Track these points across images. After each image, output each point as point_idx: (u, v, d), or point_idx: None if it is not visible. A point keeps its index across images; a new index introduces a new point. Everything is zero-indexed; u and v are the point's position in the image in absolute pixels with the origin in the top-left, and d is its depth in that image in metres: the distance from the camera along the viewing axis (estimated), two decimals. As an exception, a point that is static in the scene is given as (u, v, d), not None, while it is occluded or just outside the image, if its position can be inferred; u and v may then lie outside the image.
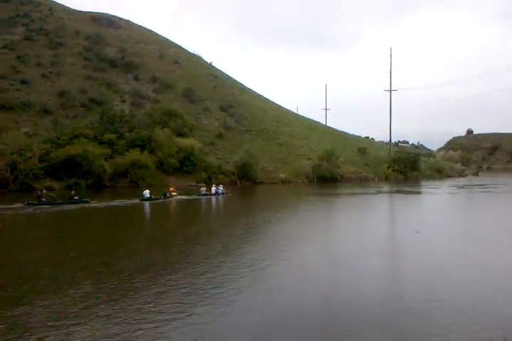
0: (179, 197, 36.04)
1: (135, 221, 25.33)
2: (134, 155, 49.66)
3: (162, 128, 55.26)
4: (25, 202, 29.13)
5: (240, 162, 55.72)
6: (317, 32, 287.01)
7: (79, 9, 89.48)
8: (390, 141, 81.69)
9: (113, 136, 52.16)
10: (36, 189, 33.71)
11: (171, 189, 36.88)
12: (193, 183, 52.14)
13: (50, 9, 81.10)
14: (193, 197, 37.13)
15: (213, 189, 38.76)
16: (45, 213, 26.61)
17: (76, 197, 30.77)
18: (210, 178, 53.71)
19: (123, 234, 19.72)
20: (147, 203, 32.37)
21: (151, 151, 52.22)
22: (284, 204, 34.86)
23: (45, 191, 31.62)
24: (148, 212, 29.40)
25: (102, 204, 30.43)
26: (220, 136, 63.96)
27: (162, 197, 34.64)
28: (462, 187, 53.31)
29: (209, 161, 56.22)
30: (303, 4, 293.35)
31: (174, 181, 51.48)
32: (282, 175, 58.84)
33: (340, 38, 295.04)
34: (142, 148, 51.77)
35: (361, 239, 17.66)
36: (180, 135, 56.67)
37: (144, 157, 50.16)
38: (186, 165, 54.12)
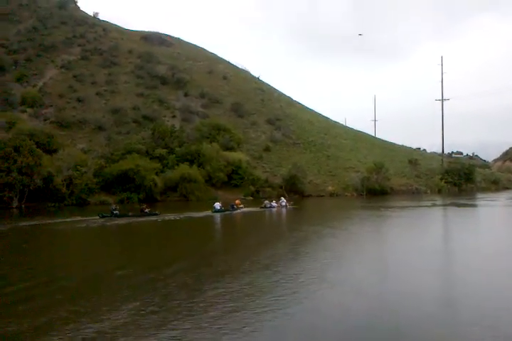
0: (244, 209, 36.92)
1: (225, 230, 27.27)
2: (184, 169, 50.74)
3: (210, 142, 56.31)
4: (100, 215, 30.73)
5: (288, 175, 55.77)
6: (366, 42, 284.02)
7: (131, 29, 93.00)
8: (443, 151, 79.43)
9: (164, 151, 53.61)
10: (110, 204, 36.42)
11: (237, 202, 37.72)
12: (242, 197, 52.61)
13: (104, 30, 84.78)
14: (257, 209, 37.85)
15: (273, 203, 39.21)
16: (125, 224, 28.14)
17: (147, 210, 32.19)
18: (257, 192, 54.07)
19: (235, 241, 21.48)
20: (218, 215, 33.28)
21: (200, 165, 53.16)
22: (347, 216, 33.99)
23: (117, 206, 33.65)
24: (228, 223, 30.85)
25: (176, 217, 31.38)
26: (267, 149, 64.32)
27: (230, 209, 35.59)
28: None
29: (257, 175, 56.56)
30: (352, 14, 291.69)
31: (222, 195, 52.18)
32: (330, 188, 58.36)
33: (390, 48, 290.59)
34: (191, 162, 52.83)
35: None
36: (228, 149, 57.51)
37: (193, 171, 51.12)
38: (234, 179, 54.72)
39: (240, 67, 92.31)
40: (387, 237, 22.14)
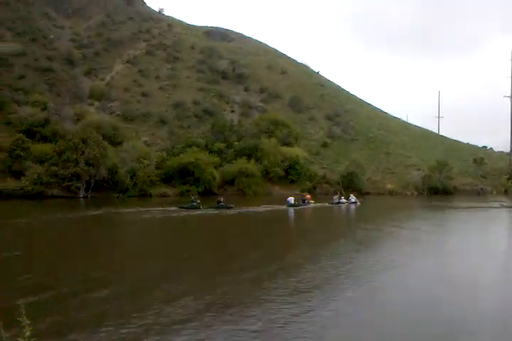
0: (313, 204, 37.38)
1: (305, 223, 28.86)
2: (242, 163, 51.33)
3: (269, 137, 56.61)
4: (180, 206, 31.87)
5: (345, 171, 55.15)
6: (433, 36, 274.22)
7: (194, 24, 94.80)
8: (511, 150, 75.69)
9: (222, 145, 54.46)
10: (190, 195, 37.14)
11: (308, 196, 38.47)
12: (298, 192, 52.60)
13: (168, 25, 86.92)
14: (327, 204, 38.09)
15: (343, 199, 39.49)
16: (209, 215, 29.66)
17: (222, 203, 32.76)
18: (314, 188, 53.83)
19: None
20: (292, 209, 33.90)
21: (258, 160, 53.57)
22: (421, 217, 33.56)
23: (196, 196, 34.63)
24: (306, 216, 32.37)
25: (249, 210, 32.51)
26: (325, 145, 63.88)
27: (302, 203, 36.30)
28: None
29: (314, 170, 56.34)
30: (421, 6, 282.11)
31: (279, 190, 52.47)
32: (389, 186, 57.17)
33: (457, 43, 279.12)
34: (249, 156, 53.31)
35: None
36: (285, 144, 57.62)
37: (251, 165, 51.59)
38: (291, 174, 54.78)
39: (299, 61, 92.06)
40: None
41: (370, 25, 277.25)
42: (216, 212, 30.87)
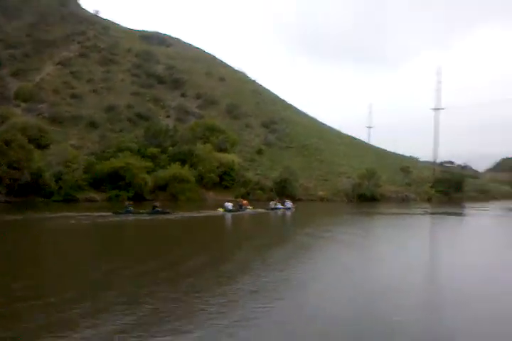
0: (250, 210, 37.92)
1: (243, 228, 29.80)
2: (175, 169, 50.79)
3: (204, 143, 56.42)
4: (114, 212, 31.09)
5: (279, 178, 55.95)
6: (365, 49, 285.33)
7: (131, 27, 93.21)
8: (435, 160, 79.79)
9: (156, 150, 53.64)
10: (124, 202, 35.55)
11: (244, 202, 38.84)
12: (231, 198, 52.70)
13: (104, 27, 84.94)
14: (263, 210, 38.63)
15: (279, 205, 40.44)
16: (145, 221, 29.43)
17: (159, 208, 32.29)
18: (248, 194, 54.10)
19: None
20: (229, 214, 34.33)
21: (192, 166, 53.23)
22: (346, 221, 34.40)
23: (131, 203, 33.54)
24: (243, 222, 33.01)
25: (185, 215, 32.34)
26: (260, 152, 64.51)
27: (239, 209, 36.68)
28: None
29: (248, 177, 56.66)
30: (352, 21, 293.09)
31: (213, 196, 52.36)
32: (321, 193, 58.50)
33: (388, 56, 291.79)
34: (183, 162, 52.86)
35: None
36: (221, 150, 57.61)
37: (185, 171, 51.15)
38: (226, 180, 54.83)
39: (237, 69, 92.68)
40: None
41: (308, 36, 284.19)
42: (151, 217, 30.47)
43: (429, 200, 63.59)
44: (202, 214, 33.75)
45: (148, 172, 49.65)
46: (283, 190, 55.46)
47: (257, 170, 60.87)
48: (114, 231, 25.53)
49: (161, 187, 49.94)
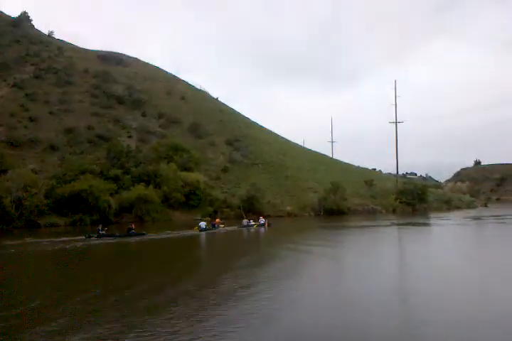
0: (224, 228, 38.19)
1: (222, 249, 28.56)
2: (140, 190, 49.57)
3: (168, 162, 55.54)
4: (87, 235, 30.52)
5: (246, 195, 55.61)
6: (323, 67, 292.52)
7: (87, 48, 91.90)
8: (397, 172, 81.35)
9: (119, 172, 52.25)
10: (97, 225, 34.86)
11: (217, 220, 39.42)
12: (198, 217, 51.88)
13: (59, 48, 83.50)
14: (236, 228, 39.10)
15: (252, 221, 40.83)
16: (119, 243, 28.94)
17: (133, 231, 32.04)
18: (215, 212, 53.42)
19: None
20: (204, 233, 34.55)
21: (157, 186, 52.18)
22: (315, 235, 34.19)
23: (102, 226, 32.75)
24: (218, 241, 32.86)
25: (162, 236, 32.35)
26: (225, 170, 64.04)
27: (212, 227, 36.97)
28: (478, 218, 52.33)
29: (215, 195, 55.96)
30: (310, 39, 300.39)
31: (180, 216, 51.39)
32: (289, 208, 58.40)
33: (346, 72, 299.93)
34: (148, 182, 51.78)
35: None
36: (185, 169, 56.80)
37: (149, 192, 50.03)
38: (192, 200, 53.91)
39: (198, 87, 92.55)
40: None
41: (267, 55, 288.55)
42: (127, 240, 30.11)
43: (394, 211, 64.56)
44: (177, 234, 33.67)
45: (111, 195, 48.22)
46: (250, 207, 55.16)
47: (224, 188, 60.32)
48: (88, 256, 24.58)
49: (126, 208, 48.55)
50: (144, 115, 70.89)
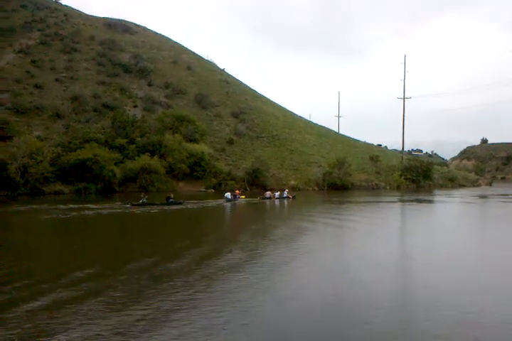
0: (245, 199, 40.07)
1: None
2: (144, 160, 49.70)
3: (173, 133, 55.44)
4: (130, 203, 32.31)
5: (251, 168, 55.51)
6: (332, 39, 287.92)
7: (94, 15, 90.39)
8: (403, 149, 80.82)
9: (124, 141, 52.24)
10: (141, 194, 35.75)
11: (237, 191, 40.71)
12: (203, 189, 52.09)
13: (65, 15, 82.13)
14: (258, 199, 40.59)
15: (277, 194, 41.99)
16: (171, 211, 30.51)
17: (172, 199, 33.99)
18: (219, 184, 53.57)
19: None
20: (229, 204, 36.05)
21: (162, 156, 52.21)
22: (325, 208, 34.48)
23: (146, 195, 34.76)
24: (247, 210, 34.52)
25: (198, 205, 34.22)
26: (230, 142, 63.79)
27: (234, 199, 38.00)
28: (485, 196, 52.12)
29: (219, 167, 55.99)
30: (319, 11, 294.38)
31: (183, 186, 51.56)
32: (293, 182, 58.36)
33: (355, 45, 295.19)
34: (152, 153, 51.80)
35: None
36: (191, 140, 56.73)
37: (154, 162, 50.14)
38: (196, 171, 54.06)
39: (205, 58, 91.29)
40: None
41: (276, 26, 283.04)
42: (168, 208, 31.87)
43: (398, 188, 64.45)
44: (209, 204, 35.47)
45: (116, 164, 48.41)
46: (255, 180, 55.24)
47: (228, 160, 60.24)
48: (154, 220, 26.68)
49: (131, 178, 48.80)
50: (150, 85, 70.25)
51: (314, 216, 28.14)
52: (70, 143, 49.33)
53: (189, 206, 33.08)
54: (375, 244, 17.92)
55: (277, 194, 42.06)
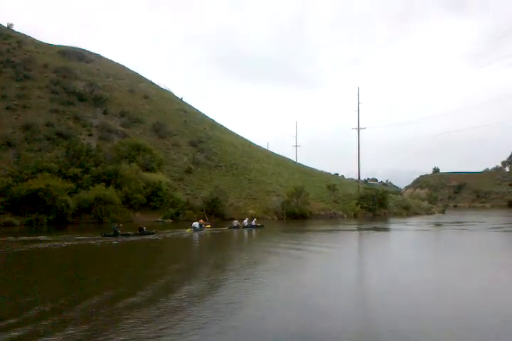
0: (210, 228, 40.51)
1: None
2: (99, 190, 48.21)
3: (129, 162, 54.29)
4: (103, 234, 32.28)
5: (209, 198, 54.91)
6: (288, 69, 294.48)
7: (48, 42, 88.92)
8: (359, 178, 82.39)
9: (78, 171, 50.64)
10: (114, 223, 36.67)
11: (201, 221, 40.98)
12: (160, 219, 50.89)
13: (18, 42, 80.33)
14: (226, 228, 41.24)
15: (245, 221, 42.82)
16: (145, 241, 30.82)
17: (144, 229, 34.77)
18: (177, 214, 52.60)
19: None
20: (197, 234, 36.41)
21: (117, 186, 50.86)
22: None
23: (120, 225, 34.78)
24: (214, 240, 34.82)
25: (168, 235, 35.07)
26: (189, 171, 63.11)
27: (200, 228, 38.60)
28: (439, 224, 53.52)
29: (177, 197, 55.00)
30: (274, 42, 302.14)
31: (140, 217, 50.22)
32: (251, 212, 57.84)
33: (310, 76, 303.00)
34: (108, 183, 50.44)
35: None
36: (148, 170, 55.73)
37: (110, 192, 48.73)
38: (153, 201, 52.88)
39: (162, 87, 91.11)
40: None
41: (233, 59, 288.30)
42: (139, 238, 32.37)
43: (355, 216, 65.21)
44: (177, 233, 36.13)
45: (69, 194, 46.71)
46: (213, 210, 54.64)
47: (186, 189, 59.42)
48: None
49: (85, 209, 47.11)
50: (105, 113, 69.04)
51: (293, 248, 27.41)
52: (21, 172, 47.36)
53: (159, 237, 33.59)
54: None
55: (245, 221, 42.57)
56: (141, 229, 34.60)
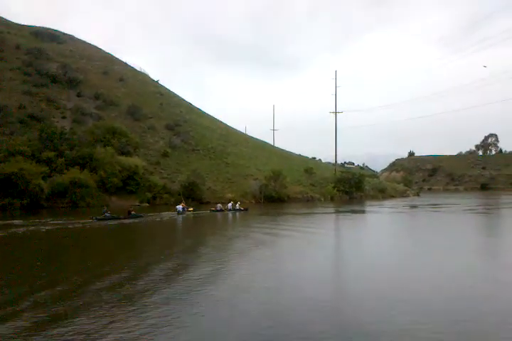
0: (193, 211, 40.88)
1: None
2: (74, 174, 47.44)
3: (104, 146, 53.45)
4: (94, 218, 32.37)
5: (186, 181, 54.63)
6: (267, 53, 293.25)
7: (20, 23, 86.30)
8: (336, 161, 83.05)
9: (52, 154, 49.58)
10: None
11: (183, 204, 40.75)
12: (137, 203, 50.50)
13: (-12, 21, 77.74)
14: (208, 211, 42.01)
15: (229, 205, 43.77)
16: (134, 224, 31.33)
17: (133, 213, 35.34)
18: (154, 198, 52.25)
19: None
20: (180, 217, 36.92)
21: (93, 170, 50.11)
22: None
23: (107, 208, 36.06)
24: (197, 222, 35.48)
25: (156, 218, 35.47)
26: (165, 155, 62.56)
27: (185, 210, 39.42)
28: (415, 206, 54.51)
29: (154, 181, 54.56)
30: (254, 27, 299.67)
31: (116, 201, 49.76)
32: (229, 195, 57.96)
33: (289, 60, 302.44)
34: (83, 166, 49.62)
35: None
36: (123, 153, 54.98)
37: (85, 176, 47.99)
38: (130, 185, 52.30)
39: (137, 69, 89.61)
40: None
41: (211, 41, 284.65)
42: (130, 221, 32.70)
43: (332, 199, 65.81)
44: (163, 216, 36.68)
45: (43, 178, 45.82)
46: (191, 193, 54.34)
47: (163, 173, 58.95)
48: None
49: (60, 193, 46.35)
50: (79, 95, 67.67)
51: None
52: (-8, 156, 46.18)
53: (150, 219, 34.55)
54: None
55: (229, 205, 43.49)
56: (129, 213, 35.01)
